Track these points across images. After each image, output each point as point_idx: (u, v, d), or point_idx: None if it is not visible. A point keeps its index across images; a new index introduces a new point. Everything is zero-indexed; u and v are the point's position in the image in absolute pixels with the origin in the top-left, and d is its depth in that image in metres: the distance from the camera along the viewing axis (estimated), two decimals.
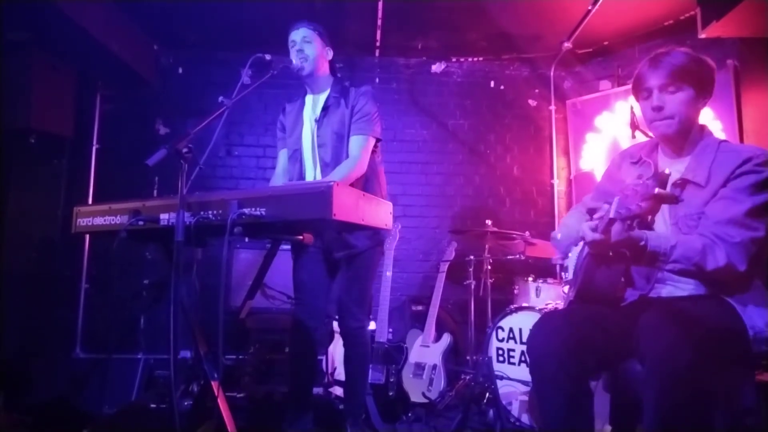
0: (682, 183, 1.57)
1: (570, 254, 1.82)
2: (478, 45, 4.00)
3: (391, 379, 3.04)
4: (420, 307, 3.62)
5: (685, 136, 1.61)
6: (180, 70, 4.07)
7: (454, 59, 4.20)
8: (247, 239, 3.21)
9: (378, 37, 3.86)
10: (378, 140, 2.31)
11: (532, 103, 4.22)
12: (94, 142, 3.88)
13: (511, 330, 2.96)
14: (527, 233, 3.15)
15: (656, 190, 1.26)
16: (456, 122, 4.18)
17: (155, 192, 3.76)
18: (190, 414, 1.95)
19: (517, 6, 3.38)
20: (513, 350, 2.94)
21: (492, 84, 4.22)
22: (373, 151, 2.32)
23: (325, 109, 2.28)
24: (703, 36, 2.76)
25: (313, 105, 2.34)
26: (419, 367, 3.14)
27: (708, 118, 3.15)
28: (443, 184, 4.12)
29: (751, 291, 1.48)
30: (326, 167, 2.24)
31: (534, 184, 4.15)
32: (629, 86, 1.66)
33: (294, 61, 2.21)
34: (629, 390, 1.59)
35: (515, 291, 3.26)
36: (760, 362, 1.49)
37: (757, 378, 1.54)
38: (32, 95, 3.20)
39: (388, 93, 4.13)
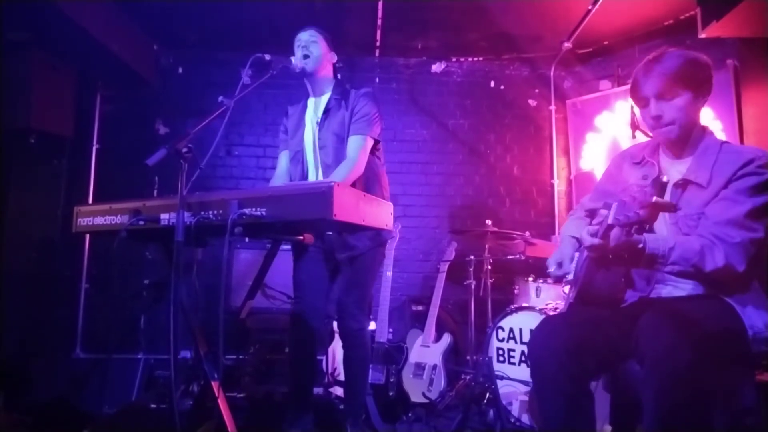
0: (684, 183, 1.57)
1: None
2: (478, 45, 4.00)
3: (392, 379, 3.04)
4: (420, 307, 3.62)
5: (686, 138, 1.61)
6: (180, 70, 4.07)
7: (454, 59, 4.21)
8: (247, 239, 3.21)
9: (378, 37, 3.86)
10: (377, 141, 2.32)
11: (532, 103, 4.22)
12: (94, 142, 3.88)
13: (511, 330, 2.96)
14: (527, 233, 3.16)
15: (654, 199, 1.26)
16: (456, 122, 4.18)
17: (155, 192, 3.77)
18: (190, 414, 1.96)
19: (517, 6, 3.38)
20: (513, 350, 2.94)
21: (492, 84, 4.22)
22: (375, 153, 2.32)
23: (327, 111, 2.30)
24: (703, 36, 2.76)
25: (314, 107, 2.36)
26: (419, 367, 3.14)
27: (708, 118, 3.15)
28: (443, 184, 4.12)
29: (750, 292, 1.49)
30: (327, 169, 2.25)
31: (534, 184, 4.15)
32: (629, 86, 1.66)
33: (294, 62, 2.22)
34: (629, 390, 1.59)
35: (515, 291, 3.26)
36: (759, 362, 1.49)
37: (757, 378, 1.54)
38: (32, 95, 3.20)
39: (388, 93, 4.13)
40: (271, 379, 3.17)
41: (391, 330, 3.28)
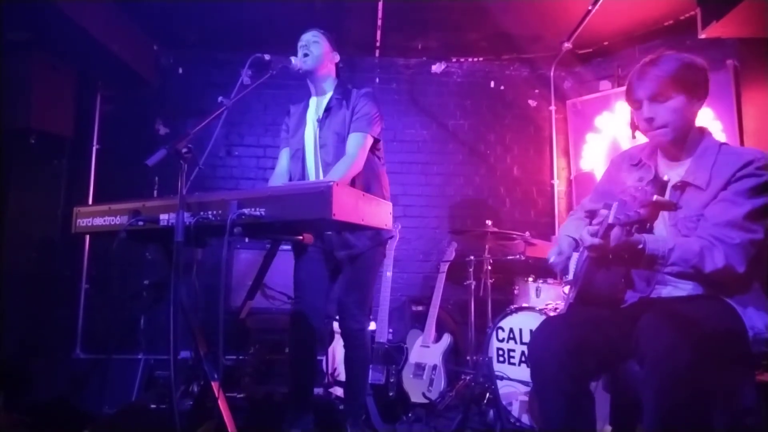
0: (683, 186, 1.57)
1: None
2: (478, 45, 4.00)
3: (392, 380, 3.04)
4: (420, 308, 3.62)
5: (682, 141, 1.60)
6: (180, 70, 4.07)
7: (454, 59, 4.20)
8: (247, 239, 3.21)
9: (378, 37, 3.86)
10: (377, 140, 2.33)
11: (532, 103, 4.22)
12: (94, 142, 3.87)
13: (511, 330, 2.95)
14: (527, 233, 3.16)
15: (654, 197, 1.26)
16: (456, 122, 4.18)
17: (155, 192, 3.77)
18: (190, 414, 1.96)
19: (517, 6, 3.38)
20: (513, 350, 2.94)
21: (492, 84, 4.22)
22: (375, 153, 2.33)
23: (328, 110, 2.31)
24: (703, 36, 2.75)
25: (316, 106, 2.38)
26: (419, 367, 3.14)
27: (708, 118, 3.15)
28: (443, 184, 4.12)
29: (751, 293, 1.49)
30: (328, 167, 2.26)
31: (534, 185, 4.15)
32: (625, 88, 1.66)
33: (294, 61, 2.23)
34: (629, 390, 1.59)
35: (515, 291, 3.26)
36: (759, 362, 1.49)
37: (757, 378, 1.54)
38: (32, 95, 3.20)
39: (388, 93, 4.13)
40: (271, 379, 3.17)
41: (391, 330, 3.28)
